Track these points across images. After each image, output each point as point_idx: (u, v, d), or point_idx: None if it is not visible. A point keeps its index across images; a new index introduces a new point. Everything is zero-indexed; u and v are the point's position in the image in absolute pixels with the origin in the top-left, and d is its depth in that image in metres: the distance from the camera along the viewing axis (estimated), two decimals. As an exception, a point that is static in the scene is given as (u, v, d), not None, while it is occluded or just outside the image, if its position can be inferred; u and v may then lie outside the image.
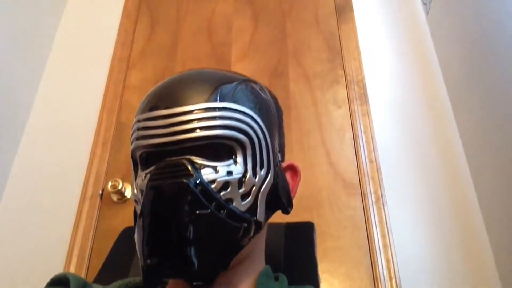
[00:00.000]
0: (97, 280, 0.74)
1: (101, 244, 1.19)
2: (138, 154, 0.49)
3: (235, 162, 0.47)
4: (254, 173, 0.48)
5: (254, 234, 0.49)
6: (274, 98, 0.59)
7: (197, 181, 0.44)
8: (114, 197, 1.25)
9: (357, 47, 1.46)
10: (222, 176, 0.46)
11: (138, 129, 0.48)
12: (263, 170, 0.50)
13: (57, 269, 1.16)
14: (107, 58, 1.55)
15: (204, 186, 0.44)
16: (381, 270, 1.05)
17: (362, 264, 1.08)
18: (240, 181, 0.47)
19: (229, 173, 0.46)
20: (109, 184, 1.22)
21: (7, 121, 1.37)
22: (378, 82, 1.40)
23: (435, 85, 1.36)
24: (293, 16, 1.58)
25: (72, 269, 1.15)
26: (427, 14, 1.47)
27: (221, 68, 0.66)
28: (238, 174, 0.47)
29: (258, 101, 0.52)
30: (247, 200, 0.47)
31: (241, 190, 0.47)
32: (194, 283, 0.43)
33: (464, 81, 1.23)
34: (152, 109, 0.48)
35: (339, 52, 1.47)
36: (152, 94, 0.51)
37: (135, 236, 0.46)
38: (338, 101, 1.37)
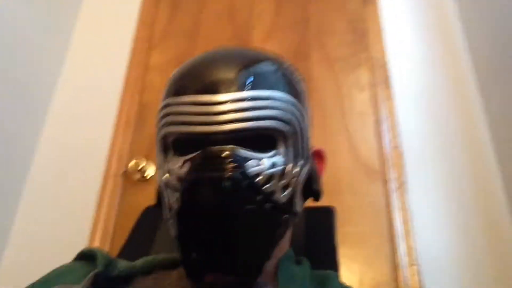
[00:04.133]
0: (120, 255, 0.76)
1: (124, 221, 1.22)
2: (171, 139, 0.47)
3: (278, 153, 0.46)
4: (295, 164, 0.47)
5: (292, 224, 0.49)
6: (303, 78, 0.57)
7: (245, 175, 0.42)
8: (137, 175, 1.27)
9: (382, 29, 1.41)
10: (267, 169, 0.44)
11: (174, 113, 0.45)
12: (302, 160, 0.49)
13: (82, 245, 1.19)
14: (129, 39, 1.55)
15: (251, 179, 0.43)
16: (401, 257, 1.04)
17: (382, 250, 1.07)
18: (282, 173, 0.46)
19: (273, 165, 0.45)
20: (132, 162, 1.23)
21: (30, 100, 1.40)
22: (402, 66, 1.36)
23: (463, 70, 1.31)
24: (317, -4, 1.54)
25: (96, 245, 1.19)
26: (458, -5, 1.41)
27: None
28: (280, 165, 0.45)
29: (297, 87, 0.50)
30: (287, 191, 0.46)
31: (283, 182, 0.46)
32: (243, 277, 0.43)
33: (494, 68, 1.19)
34: (189, 92, 0.45)
35: (363, 35, 1.43)
36: (187, 75, 0.47)
37: (172, 224, 0.44)
38: (362, 85, 1.34)
